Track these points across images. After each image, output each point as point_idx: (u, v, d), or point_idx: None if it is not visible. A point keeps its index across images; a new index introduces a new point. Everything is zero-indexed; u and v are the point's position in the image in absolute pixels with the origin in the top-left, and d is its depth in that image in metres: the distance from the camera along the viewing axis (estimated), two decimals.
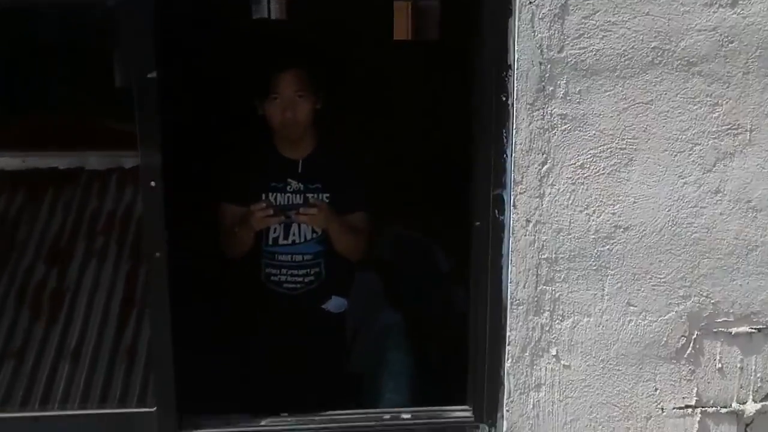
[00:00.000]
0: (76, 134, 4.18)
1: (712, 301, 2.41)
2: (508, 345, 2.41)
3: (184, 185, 2.75)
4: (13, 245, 3.78)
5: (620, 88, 2.27)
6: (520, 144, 2.28)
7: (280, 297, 3.11)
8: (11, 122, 4.08)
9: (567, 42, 2.24)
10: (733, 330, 2.44)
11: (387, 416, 2.54)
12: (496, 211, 2.34)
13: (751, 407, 2.49)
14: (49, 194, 3.99)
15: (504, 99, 2.27)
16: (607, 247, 2.35)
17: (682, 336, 2.43)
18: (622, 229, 2.35)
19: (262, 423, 2.49)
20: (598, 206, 2.33)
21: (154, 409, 2.46)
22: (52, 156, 4.10)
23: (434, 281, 4.13)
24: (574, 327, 2.40)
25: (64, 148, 4.13)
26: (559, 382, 2.43)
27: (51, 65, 4.13)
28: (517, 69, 2.26)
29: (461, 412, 2.53)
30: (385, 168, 3.92)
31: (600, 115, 2.28)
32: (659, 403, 2.47)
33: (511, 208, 2.32)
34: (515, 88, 2.26)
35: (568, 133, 2.28)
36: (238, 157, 3.15)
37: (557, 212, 2.33)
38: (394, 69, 4.33)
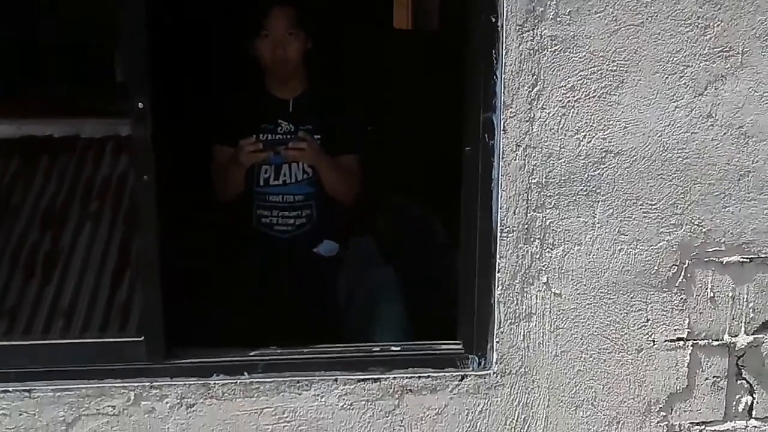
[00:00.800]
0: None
1: (703, 230, 2.40)
2: (498, 273, 2.39)
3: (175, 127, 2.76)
4: (7, 210, 3.78)
5: (611, 9, 2.26)
6: (510, 65, 2.27)
7: (272, 239, 3.10)
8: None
9: None
10: (725, 260, 2.43)
11: (377, 348, 2.52)
12: (486, 136, 2.32)
13: (742, 340, 2.47)
14: (44, 162, 3.98)
15: (493, 20, 2.25)
16: (598, 172, 2.34)
17: (674, 265, 2.41)
18: (612, 154, 2.34)
19: (251, 354, 2.47)
20: (589, 131, 2.32)
21: (142, 338, 2.46)
22: (47, 123, 4.09)
23: (431, 250, 4.13)
24: (565, 255, 2.40)
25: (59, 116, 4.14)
26: (550, 312, 2.42)
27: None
28: None
29: (452, 346, 2.51)
30: (386, 140, 3.93)
31: (590, 36, 2.27)
32: (650, 335, 2.46)
33: (501, 132, 2.30)
34: (504, 9, 2.24)
35: (558, 54, 2.27)
36: (229, 98, 3.16)
37: (547, 137, 2.32)
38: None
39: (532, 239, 2.37)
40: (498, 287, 2.39)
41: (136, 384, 2.42)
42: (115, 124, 4.05)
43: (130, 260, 3.58)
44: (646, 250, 2.40)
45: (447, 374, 2.47)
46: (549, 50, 2.26)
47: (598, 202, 2.36)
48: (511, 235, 2.36)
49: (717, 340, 2.48)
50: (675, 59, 2.29)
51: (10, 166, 3.95)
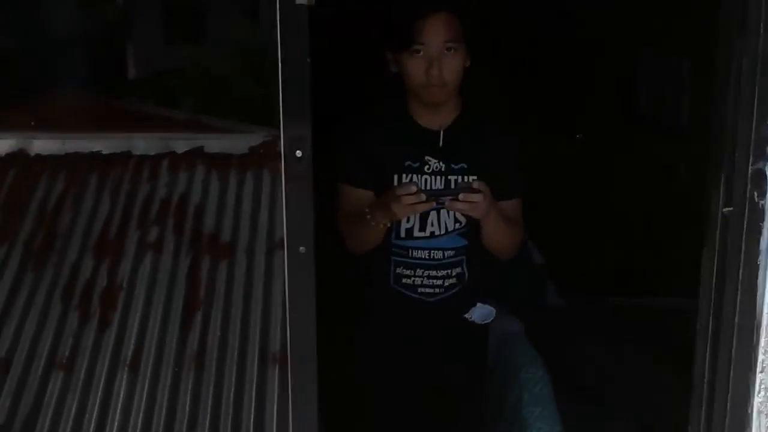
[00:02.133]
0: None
1: None
2: (760, 373, 1.86)
3: None
4: (55, 238, 3.27)
5: None
6: None
7: (414, 304, 2.53)
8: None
9: None
10: None
11: None
12: (755, 193, 1.78)
13: None
14: (93, 182, 3.47)
15: None
16: None
17: None
18: None
19: None
20: None
21: None
22: (95, 138, 3.60)
23: (529, 274, 3.67)
24: None
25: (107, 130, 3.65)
26: None
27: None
28: None
29: None
30: None
31: None
32: None
33: None
34: None
35: None
36: (364, 127, 2.56)
37: None
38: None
39: None
40: (759, 392, 1.87)
41: None
42: (170, 138, 3.59)
43: (199, 297, 3.09)
44: None
45: None
46: None
47: None
48: None
49: None
50: None
51: (55, 187, 3.45)
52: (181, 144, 3.54)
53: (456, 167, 2.64)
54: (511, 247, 2.65)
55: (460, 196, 2.40)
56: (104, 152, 3.55)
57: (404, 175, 2.62)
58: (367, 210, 2.54)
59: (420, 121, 2.66)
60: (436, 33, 2.53)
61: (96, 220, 3.27)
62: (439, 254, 2.62)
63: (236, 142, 3.58)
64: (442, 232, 2.58)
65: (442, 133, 2.65)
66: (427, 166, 2.63)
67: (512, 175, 2.72)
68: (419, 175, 2.63)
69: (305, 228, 1.71)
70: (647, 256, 4.98)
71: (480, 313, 2.67)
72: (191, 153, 3.51)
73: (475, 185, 2.41)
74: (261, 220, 3.27)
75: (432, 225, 2.62)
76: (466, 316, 2.69)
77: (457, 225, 2.62)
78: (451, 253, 2.64)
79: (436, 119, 2.65)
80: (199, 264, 3.12)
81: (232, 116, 4.24)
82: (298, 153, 1.70)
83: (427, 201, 2.39)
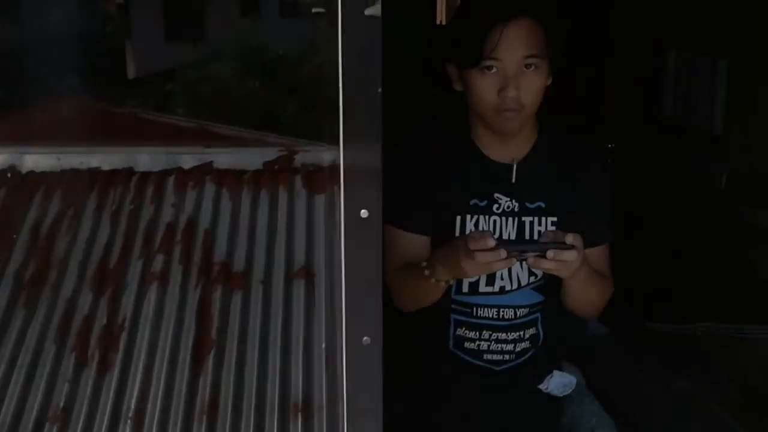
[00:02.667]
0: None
1: None
2: None
3: None
4: (48, 268, 2.92)
5: None
6: None
7: (478, 373, 2.19)
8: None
9: None
10: None
11: None
12: None
13: None
14: (91, 203, 3.12)
15: None
16: None
17: None
18: None
19: None
20: None
21: None
22: (93, 153, 3.26)
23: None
24: None
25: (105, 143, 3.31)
26: None
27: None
28: None
29: None
30: None
31: None
32: None
33: None
34: None
35: None
36: (417, 156, 2.18)
37: None
38: None
39: None
40: None
41: None
42: (176, 153, 3.25)
43: (210, 336, 2.74)
44: None
45: None
46: None
47: None
48: None
49: None
50: None
51: (50, 208, 3.10)
52: (187, 159, 3.21)
53: (531, 206, 2.21)
54: (598, 306, 2.26)
55: (549, 254, 1.93)
56: (104, 168, 3.20)
57: (469, 217, 2.18)
58: (425, 264, 2.08)
59: (488, 152, 2.22)
60: (514, 46, 2.07)
61: (95, 248, 2.93)
62: (509, 313, 2.19)
63: (248, 156, 3.25)
64: (514, 286, 2.17)
65: (515, 167, 2.21)
66: (496, 206, 2.19)
67: (602, 216, 2.30)
68: (487, 216, 2.19)
69: (371, 313, 1.33)
70: (688, 276, 4.66)
71: (558, 383, 2.26)
72: (199, 169, 3.17)
73: (569, 240, 1.94)
74: (278, 245, 2.92)
75: (502, 279, 2.18)
76: (541, 387, 2.31)
77: (533, 278, 2.22)
78: (524, 311, 2.22)
79: (508, 149, 2.21)
80: (210, 297, 2.77)
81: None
82: (364, 213, 1.30)
83: (507, 257, 1.93)
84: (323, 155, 3.24)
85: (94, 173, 3.21)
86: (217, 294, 2.76)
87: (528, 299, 2.18)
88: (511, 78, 2.07)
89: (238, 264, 2.86)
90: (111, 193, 3.14)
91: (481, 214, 2.18)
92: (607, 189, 2.32)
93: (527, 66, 2.09)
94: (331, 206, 3.04)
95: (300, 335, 2.64)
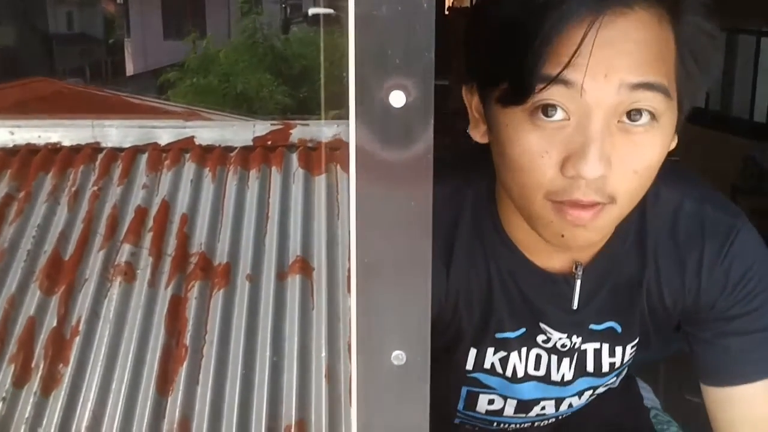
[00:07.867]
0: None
1: None
2: None
3: None
4: None
5: None
6: None
7: None
8: None
9: None
10: None
11: None
12: None
13: None
14: (47, 183, 2.65)
15: None
16: None
17: None
18: None
19: None
20: None
21: None
22: (54, 126, 2.79)
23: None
24: None
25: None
26: None
27: None
28: None
29: None
30: None
31: None
32: None
33: None
34: None
35: None
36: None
37: None
38: None
39: None
40: None
41: None
42: (151, 127, 2.78)
43: (184, 344, 2.25)
44: None
45: None
46: None
47: None
48: None
49: None
50: None
51: None
52: (164, 133, 2.74)
53: (598, 328, 1.42)
54: None
55: None
56: (65, 144, 2.73)
57: (491, 350, 1.43)
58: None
59: (535, 260, 1.38)
60: (606, 65, 1.11)
61: (47, 236, 2.44)
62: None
63: (236, 132, 2.78)
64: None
65: (579, 279, 1.38)
66: (543, 338, 1.43)
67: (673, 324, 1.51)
68: (523, 351, 1.43)
69: (419, 329, 0.81)
70: None
71: None
72: (178, 145, 2.70)
73: None
74: (269, 235, 2.44)
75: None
76: None
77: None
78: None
79: (570, 254, 1.36)
80: (186, 296, 2.31)
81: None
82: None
83: None
84: (324, 130, 2.79)
85: (52, 149, 2.73)
86: (194, 292, 2.29)
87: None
88: (597, 134, 1.13)
89: (221, 256, 2.39)
90: (71, 173, 2.65)
91: (512, 350, 1.43)
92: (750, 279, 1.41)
93: (635, 113, 1.13)
94: (331, 189, 2.59)
95: (294, 343, 2.18)
